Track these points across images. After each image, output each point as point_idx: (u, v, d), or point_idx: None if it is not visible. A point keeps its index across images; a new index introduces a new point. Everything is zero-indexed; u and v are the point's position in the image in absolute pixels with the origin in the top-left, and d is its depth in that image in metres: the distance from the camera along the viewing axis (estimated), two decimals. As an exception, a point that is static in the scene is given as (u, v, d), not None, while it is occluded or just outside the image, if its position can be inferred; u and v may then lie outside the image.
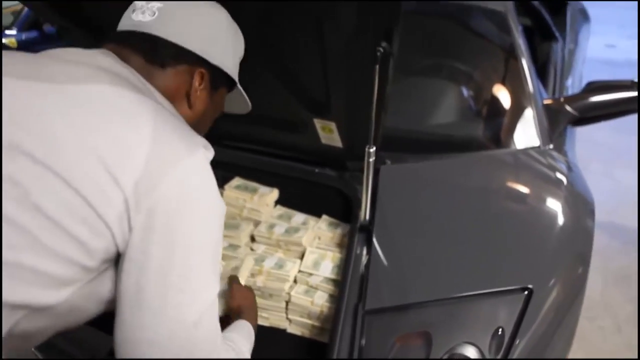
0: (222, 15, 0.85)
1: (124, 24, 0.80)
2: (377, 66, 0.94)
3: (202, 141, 0.72)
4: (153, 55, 0.76)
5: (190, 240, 0.65)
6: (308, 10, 0.92)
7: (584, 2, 3.35)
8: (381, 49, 0.91)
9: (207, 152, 0.71)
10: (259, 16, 1.01)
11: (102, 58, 0.73)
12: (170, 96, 0.77)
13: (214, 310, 0.69)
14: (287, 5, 0.94)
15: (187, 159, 0.66)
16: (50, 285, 0.61)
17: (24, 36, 3.88)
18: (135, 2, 0.81)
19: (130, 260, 0.63)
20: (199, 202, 0.67)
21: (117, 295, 0.64)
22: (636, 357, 1.83)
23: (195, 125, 0.80)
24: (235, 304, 0.97)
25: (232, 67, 0.87)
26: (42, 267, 0.59)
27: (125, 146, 0.62)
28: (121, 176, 0.61)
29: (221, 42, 0.83)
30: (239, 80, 0.92)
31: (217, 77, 0.84)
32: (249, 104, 0.98)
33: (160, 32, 0.76)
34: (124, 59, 0.75)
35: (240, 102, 0.98)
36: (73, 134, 0.61)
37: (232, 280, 1.04)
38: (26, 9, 3.82)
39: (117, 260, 0.65)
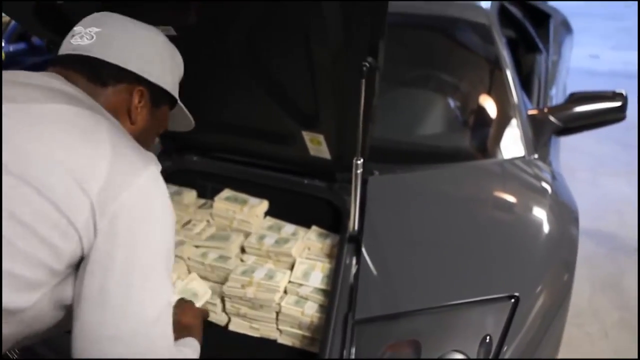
0: (158, 38, 0.91)
1: (64, 49, 0.85)
2: (364, 80, 0.96)
3: (152, 155, 0.78)
4: (94, 76, 0.82)
5: (150, 243, 0.71)
6: (296, 27, 0.94)
7: (567, 10, 3.43)
8: (367, 64, 0.94)
9: (158, 166, 0.77)
10: (248, 32, 1.03)
11: (50, 80, 0.79)
12: (114, 112, 0.82)
13: (170, 311, 0.73)
14: (275, 21, 0.96)
15: (145, 170, 0.72)
16: (22, 289, 0.65)
17: (11, 48, 3.86)
18: (75, 27, 0.87)
19: (94, 262, 0.67)
20: (156, 210, 0.73)
21: (78, 296, 0.67)
22: (636, 357, 1.85)
23: (138, 139, 0.84)
24: (185, 321, 0.99)
25: (171, 85, 0.92)
26: (16, 270, 0.63)
27: (89, 158, 0.68)
28: (87, 185, 0.66)
29: (158, 62, 0.89)
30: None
31: (157, 95, 0.89)
32: (192, 120, 1.03)
33: (99, 54, 0.82)
34: (70, 80, 0.80)
35: (184, 119, 1.03)
36: (41, 148, 0.67)
37: (185, 300, 1.07)
38: (14, 21, 3.82)
39: (78, 265, 0.69)
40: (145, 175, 0.71)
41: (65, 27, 1.20)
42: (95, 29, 0.84)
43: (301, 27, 0.94)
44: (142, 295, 0.69)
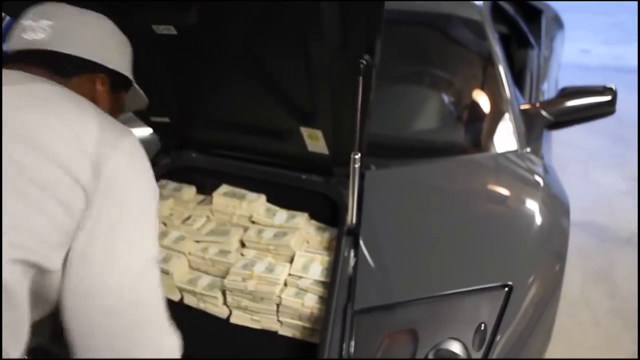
0: (108, 25, 0.94)
1: (17, 44, 0.85)
2: (361, 78, 0.99)
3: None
4: (57, 69, 0.83)
5: (138, 202, 0.75)
6: (294, 26, 0.97)
7: (559, 5, 3.46)
8: (364, 62, 0.96)
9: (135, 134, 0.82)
10: (247, 30, 1.05)
11: (17, 73, 0.79)
12: None
13: (156, 267, 0.75)
14: (273, 20, 0.99)
15: (128, 134, 0.78)
16: (51, 247, 0.67)
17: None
18: (23, 21, 0.87)
19: (86, 217, 0.69)
20: (143, 170, 0.78)
21: (65, 264, 0.69)
22: (636, 357, 1.89)
23: None
24: None
25: (127, 69, 0.96)
26: (43, 230, 0.66)
27: (83, 124, 0.73)
28: (85, 147, 0.71)
29: (114, 48, 0.92)
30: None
31: (115, 80, 0.94)
32: (145, 98, 1.06)
33: (58, 47, 0.83)
34: (35, 74, 0.80)
35: (138, 99, 1.06)
36: (42, 119, 0.70)
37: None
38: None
39: None
40: (129, 138, 0.77)
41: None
42: (48, 22, 0.85)
43: (299, 26, 0.96)
44: (128, 249, 0.71)
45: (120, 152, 0.73)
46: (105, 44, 0.90)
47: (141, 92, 1.03)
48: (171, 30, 1.09)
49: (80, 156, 0.70)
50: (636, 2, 6.26)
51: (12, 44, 0.85)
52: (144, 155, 0.79)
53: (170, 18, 1.07)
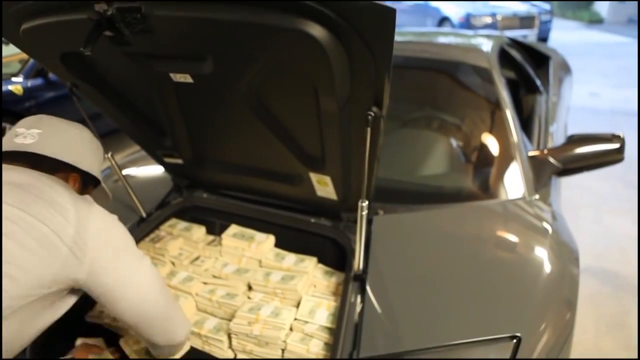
0: (85, 134, 1.14)
1: (9, 146, 1.03)
2: (369, 128, 1.02)
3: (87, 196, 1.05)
4: (37, 168, 1.01)
5: (121, 244, 1.00)
6: (305, 79, 1.01)
7: (568, 50, 3.52)
8: (372, 113, 0.99)
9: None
10: (260, 81, 1.09)
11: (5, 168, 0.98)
12: None
13: (155, 272, 1.05)
14: (285, 73, 1.03)
15: (94, 207, 0.99)
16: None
17: (29, 83, 4.00)
18: (17, 129, 1.06)
19: (97, 275, 0.95)
20: (113, 221, 1.02)
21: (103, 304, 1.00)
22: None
23: None
24: None
25: (97, 171, 1.15)
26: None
27: (60, 209, 0.92)
28: (62, 232, 0.90)
29: (88, 154, 1.12)
30: None
31: (86, 179, 1.13)
32: (109, 194, 1.25)
33: (40, 150, 1.02)
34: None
35: (104, 194, 1.24)
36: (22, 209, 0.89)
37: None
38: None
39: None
40: (95, 209, 0.99)
41: (88, 73, 1.29)
42: (37, 130, 1.05)
43: (310, 79, 1.00)
44: (134, 274, 1.00)
45: (95, 218, 0.96)
46: (79, 150, 1.10)
47: (107, 189, 1.22)
48: (187, 78, 1.14)
49: (56, 241, 0.88)
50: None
51: (5, 146, 1.03)
52: (105, 212, 1.01)
53: (188, 67, 1.11)
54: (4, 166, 0.99)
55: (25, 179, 0.95)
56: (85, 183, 1.13)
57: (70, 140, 1.09)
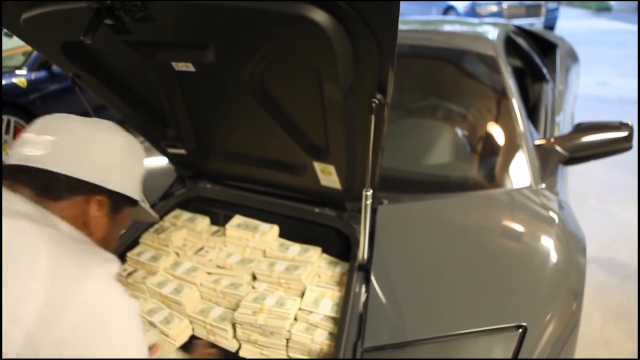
0: (118, 139, 0.87)
1: (15, 158, 0.80)
2: (373, 116, 1.01)
3: (105, 256, 0.74)
4: (46, 190, 0.77)
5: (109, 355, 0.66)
6: (309, 66, 0.99)
7: (575, 39, 3.47)
8: (376, 101, 0.98)
9: (111, 266, 0.71)
10: (263, 70, 1.08)
11: None
12: (70, 223, 0.79)
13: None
14: (289, 60, 1.02)
15: (90, 279, 0.66)
16: None
17: (33, 76, 4.00)
18: (26, 135, 0.82)
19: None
20: (110, 321, 0.67)
21: None
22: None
23: (100, 244, 0.81)
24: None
25: (131, 188, 0.89)
26: None
27: (24, 283, 0.62)
28: (20, 314, 0.60)
29: (118, 167, 0.85)
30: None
31: (117, 200, 0.86)
32: (155, 215, 1.03)
33: (53, 166, 0.78)
34: (15, 191, 0.76)
35: (146, 213, 1.00)
36: None
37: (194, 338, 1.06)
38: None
39: None
40: (90, 285, 0.66)
41: (90, 63, 1.28)
42: (49, 137, 0.80)
43: (314, 66, 0.98)
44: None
45: (74, 310, 0.63)
46: (106, 163, 0.84)
47: (150, 210, 0.97)
48: (190, 67, 1.13)
49: (10, 327, 0.60)
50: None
51: (10, 157, 0.81)
52: (110, 298, 0.68)
53: (189, 55, 1.10)
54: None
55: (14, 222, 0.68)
56: (117, 206, 0.87)
57: (93, 150, 0.82)
